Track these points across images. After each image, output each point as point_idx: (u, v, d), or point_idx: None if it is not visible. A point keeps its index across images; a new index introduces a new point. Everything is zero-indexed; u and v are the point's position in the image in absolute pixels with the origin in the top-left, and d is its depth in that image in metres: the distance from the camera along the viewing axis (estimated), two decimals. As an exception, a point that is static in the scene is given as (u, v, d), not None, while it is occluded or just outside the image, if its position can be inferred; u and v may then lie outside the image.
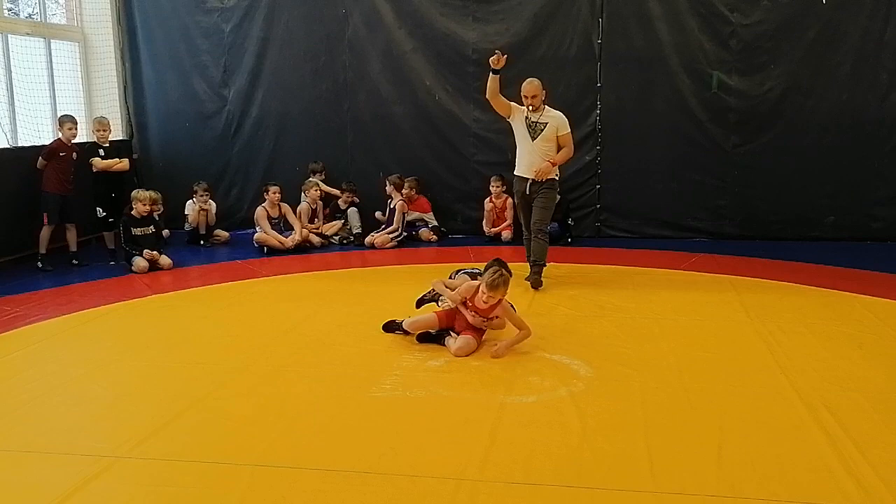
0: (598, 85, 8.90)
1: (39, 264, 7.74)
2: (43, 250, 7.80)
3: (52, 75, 9.19)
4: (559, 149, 6.45)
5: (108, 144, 8.29)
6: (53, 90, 9.20)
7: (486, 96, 6.52)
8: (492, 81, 6.37)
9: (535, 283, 6.48)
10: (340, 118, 9.59)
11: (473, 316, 4.90)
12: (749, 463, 3.28)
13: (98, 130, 8.22)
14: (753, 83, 8.57)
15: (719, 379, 4.32)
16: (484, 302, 4.77)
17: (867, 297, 6.06)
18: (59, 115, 8.03)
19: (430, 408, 3.99)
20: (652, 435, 3.57)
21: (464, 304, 4.93)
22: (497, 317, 4.94)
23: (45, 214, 7.76)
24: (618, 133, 8.96)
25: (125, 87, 9.98)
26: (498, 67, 6.25)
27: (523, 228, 6.80)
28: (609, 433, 3.62)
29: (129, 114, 9.95)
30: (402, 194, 9.03)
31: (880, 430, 3.58)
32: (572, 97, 8.66)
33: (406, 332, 5.10)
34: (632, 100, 8.89)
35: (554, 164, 6.36)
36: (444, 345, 4.89)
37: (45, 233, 7.79)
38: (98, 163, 8.15)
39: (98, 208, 8.11)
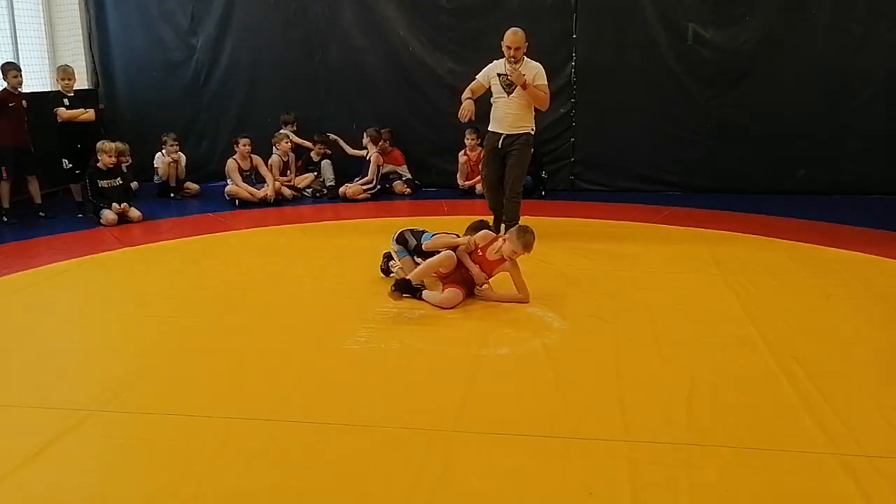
0: (574, 37, 8.83)
1: (4, 218, 7.59)
2: (6, 204, 7.64)
3: (14, 24, 8.90)
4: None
5: (72, 94, 8.08)
6: (16, 39, 8.92)
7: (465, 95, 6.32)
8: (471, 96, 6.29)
9: None
10: (312, 68, 9.44)
11: (478, 270, 4.93)
12: (718, 411, 3.35)
13: (62, 79, 8.00)
14: (729, 35, 8.54)
15: (690, 330, 4.38)
16: (496, 255, 4.92)
17: (836, 249, 6.15)
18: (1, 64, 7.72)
19: (405, 360, 4.01)
20: (624, 385, 3.62)
21: (471, 256, 4.96)
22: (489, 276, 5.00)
23: (2, 168, 7.55)
24: (593, 85, 8.92)
25: (90, 35, 9.71)
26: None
27: (484, 186, 6.66)
28: (582, 384, 3.67)
29: (94, 62, 9.70)
30: (377, 147, 8.94)
31: (845, 379, 3.66)
32: (547, 49, 8.55)
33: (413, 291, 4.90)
34: (607, 52, 8.84)
35: (525, 87, 6.07)
36: (420, 298, 4.88)
37: (4, 187, 7.62)
38: (63, 113, 7.95)
39: (64, 160, 7.93)
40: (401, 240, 5.32)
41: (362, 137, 8.97)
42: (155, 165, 9.06)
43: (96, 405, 3.46)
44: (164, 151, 8.99)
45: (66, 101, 8.01)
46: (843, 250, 6.11)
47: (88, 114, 8.12)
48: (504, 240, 4.97)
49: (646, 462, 2.92)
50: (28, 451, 3.04)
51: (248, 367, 3.93)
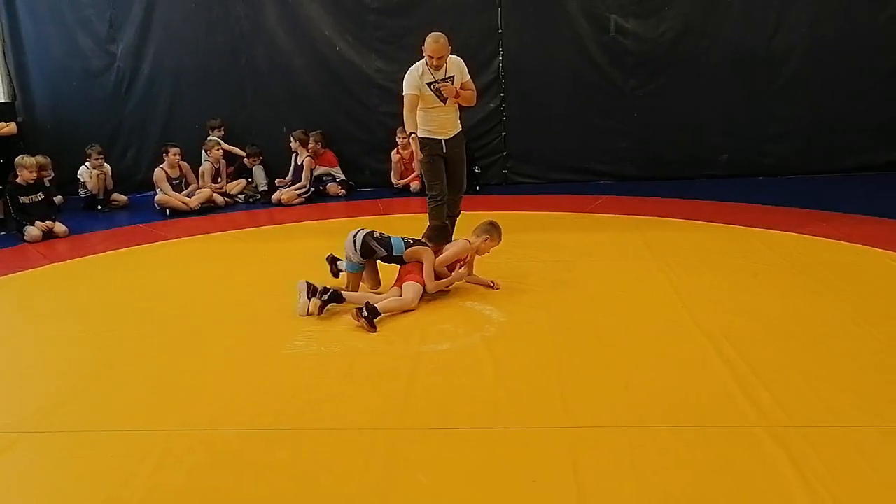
0: (500, 31, 8.90)
1: None
2: None
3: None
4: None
5: None
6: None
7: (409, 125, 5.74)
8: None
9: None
10: (238, 72, 9.32)
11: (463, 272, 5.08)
12: (655, 393, 3.43)
13: None
14: (649, 26, 8.75)
15: (626, 315, 4.48)
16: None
17: (760, 229, 6.36)
18: None
19: (345, 361, 3.99)
20: (564, 373, 3.68)
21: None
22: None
23: None
24: (521, 79, 9.03)
25: (3, 45, 9.38)
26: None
27: (441, 200, 5.87)
28: (522, 374, 3.71)
29: (9, 74, 9.38)
30: (308, 149, 8.87)
31: (774, 355, 3.79)
32: (474, 44, 8.64)
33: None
34: (533, 45, 8.95)
35: (457, 95, 5.71)
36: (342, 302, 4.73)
37: None
38: None
39: None
40: (366, 251, 4.91)
41: (289, 141, 8.87)
42: (80, 179, 8.81)
43: (27, 426, 3.36)
44: (88, 164, 8.74)
45: None
46: (768, 230, 6.31)
47: (9, 127, 7.94)
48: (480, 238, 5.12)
49: (587, 446, 2.97)
50: (-43, 479, 2.94)
51: (185, 377, 3.87)
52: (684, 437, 3.03)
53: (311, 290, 4.69)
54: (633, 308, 4.61)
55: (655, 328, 4.24)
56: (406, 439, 3.13)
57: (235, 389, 3.69)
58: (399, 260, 4.96)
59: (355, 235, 4.95)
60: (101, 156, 8.77)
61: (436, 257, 4.95)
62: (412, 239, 5.05)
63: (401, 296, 4.77)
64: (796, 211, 7.03)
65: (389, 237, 5.00)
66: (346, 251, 4.99)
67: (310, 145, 8.90)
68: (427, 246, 4.97)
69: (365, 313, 4.38)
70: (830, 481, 2.66)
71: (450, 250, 5.06)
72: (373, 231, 5.01)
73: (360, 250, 4.91)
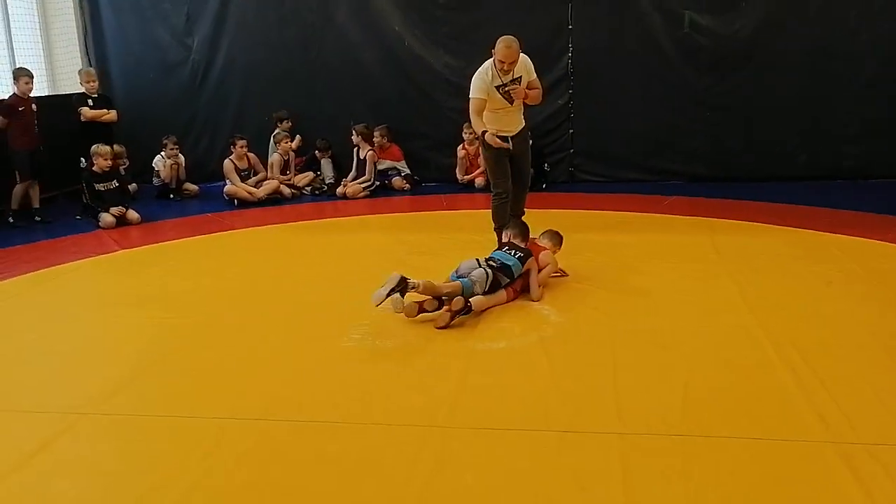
0: (570, 27, 8.76)
1: (10, 219, 7.68)
2: (15, 206, 7.75)
3: (10, 29, 8.90)
4: None
5: (96, 95, 8.41)
6: (11, 44, 8.92)
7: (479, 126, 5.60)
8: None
9: None
10: (308, 65, 9.41)
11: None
12: (714, 402, 3.31)
13: (87, 81, 8.39)
14: (724, 22, 8.47)
15: (689, 320, 4.35)
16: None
17: (836, 235, 6.09)
18: (14, 69, 7.86)
19: (399, 356, 3.99)
20: (620, 377, 3.58)
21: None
22: None
23: (17, 172, 7.66)
24: (590, 76, 8.86)
25: (85, 38, 9.70)
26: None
27: (504, 199, 5.78)
28: (577, 376, 3.64)
29: (90, 64, 9.69)
30: (371, 144, 8.91)
31: (844, 366, 3.62)
32: (543, 40, 8.51)
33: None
34: (603, 41, 8.77)
35: (526, 99, 5.65)
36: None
37: (19, 189, 7.75)
38: (87, 112, 8.27)
39: (82, 158, 8.06)
40: (494, 285, 4.66)
41: (351, 135, 8.93)
42: (155, 168, 9.07)
43: (88, 408, 3.45)
44: (164, 154, 8.99)
45: (90, 101, 8.35)
46: (844, 236, 6.05)
47: (111, 115, 8.40)
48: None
49: (639, 454, 2.89)
50: (20, 456, 3.03)
51: (241, 366, 3.92)
52: (743, 449, 2.91)
53: (402, 286, 4.43)
54: (696, 313, 4.47)
55: (719, 334, 4.10)
56: (456, 438, 3.10)
57: (289, 380, 3.72)
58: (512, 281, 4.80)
59: (486, 269, 4.68)
60: (177, 146, 9.01)
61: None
62: (512, 251, 4.89)
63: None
64: (875, 216, 6.72)
65: (501, 262, 4.77)
66: (465, 270, 4.73)
67: (375, 139, 8.94)
68: (531, 256, 4.90)
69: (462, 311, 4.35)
70: (899, 504, 2.51)
71: (548, 266, 5.02)
72: (489, 260, 4.81)
73: (490, 285, 4.64)
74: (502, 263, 4.76)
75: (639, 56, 8.71)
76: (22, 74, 7.66)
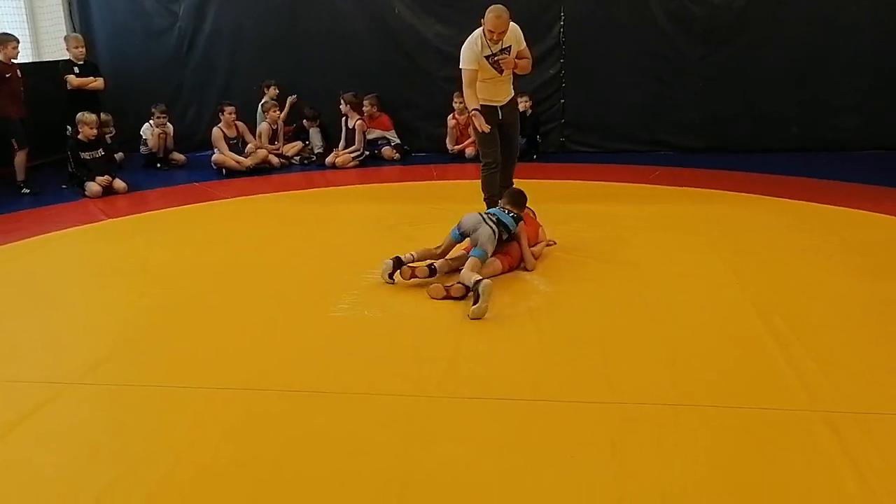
0: (562, -5, 8.67)
1: (26, 190, 7.56)
2: (21, 176, 7.61)
3: (-9, -9, 8.75)
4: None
5: (83, 62, 8.21)
6: (-7, 7, 8.77)
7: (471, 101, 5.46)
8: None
9: None
10: (297, 34, 9.29)
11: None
12: (703, 372, 3.31)
13: (75, 47, 8.15)
14: (719, -9, 8.39)
15: (679, 291, 4.34)
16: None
17: (826, 206, 6.09)
18: None
19: (388, 326, 3.97)
20: (609, 347, 3.58)
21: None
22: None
23: (13, 141, 7.50)
24: (582, 45, 8.79)
25: (69, 3, 9.53)
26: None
27: (494, 168, 5.71)
28: (566, 347, 3.63)
29: (74, 30, 9.53)
30: (360, 113, 8.82)
31: (831, 337, 3.62)
32: (534, 8, 8.44)
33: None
34: (595, 10, 8.70)
35: (515, 68, 5.55)
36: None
37: (20, 158, 7.58)
38: (73, 80, 8.07)
39: (68, 126, 7.90)
40: (500, 241, 4.63)
41: (339, 105, 8.83)
42: (142, 136, 8.95)
43: (73, 378, 3.42)
44: (152, 122, 8.86)
45: (76, 69, 8.13)
46: (833, 206, 6.05)
47: (98, 82, 8.25)
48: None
49: (629, 424, 2.89)
50: (4, 426, 3.00)
51: (228, 336, 3.89)
52: (731, 418, 2.91)
53: (398, 264, 4.51)
54: (685, 283, 4.46)
55: (707, 305, 4.10)
56: (445, 408, 3.09)
57: (276, 351, 3.69)
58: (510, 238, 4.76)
59: (491, 225, 4.59)
60: (164, 115, 8.88)
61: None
62: (506, 211, 4.82)
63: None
64: (868, 187, 6.71)
65: (498, 217, 4.70)
66: (467, 226, 4.64)
67: (364, 108, 8.85)
68: (521, 220, 4.84)
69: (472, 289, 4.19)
70: (885, 472, 2.52)
71: (542, 242, 5.06)
72: (489, 215, 4.74)
73: (498, 242, 4.59)
74: (499, 219, 4.70)
75: (631, 26, 8.63)
76: (9, 40, 7.48)
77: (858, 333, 3.67)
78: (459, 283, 4.32)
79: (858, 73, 8.30)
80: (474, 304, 4.03)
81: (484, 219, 4.66)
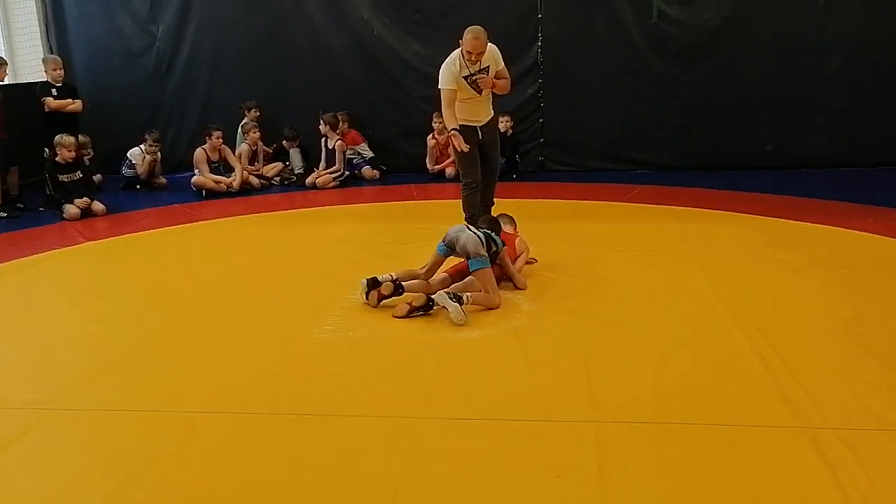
0: (539, 15, 8.76)
1: (2, 214, 7.55)
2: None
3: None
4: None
5: (61, 84, 8.17)
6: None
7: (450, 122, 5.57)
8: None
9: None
10: (276, 54, 9.32)
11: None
12: (685, 389, 3.34)
13: (53, 69, 8.12)
14: (693, 12, 8.53)
15: (659, 308, 4.37)
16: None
17: (803, 223, 6.18)
18: None
19: (373, 347, 3.96)
20: (592, 366, 3.60)
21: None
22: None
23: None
24: (559, 65, 8.88)
25: (46, 24, 9.49)
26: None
27: (474, 188, 5.78)
28: (550, 365, 3.65)
29: (52, 52, 9.48)
30: (337, 132, 8.84)
31: (811, 352, 3.67)
32: (512, 28, 8.52)
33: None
34: (573, 30, 8.80)
35: (493, 86, 5.59)
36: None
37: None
38: (51, 102, 8.03)
39: (45, 149, 7.85)
40: (487, 243, 4.55)
41: (318, 125, 8.84)
42: (130, 159, 8.84)
43: (55, 403, 3.38)
44: (143, 148, 8.79)
45: (54, 91, 8.10)
46: (811, 224, 6.13)
47: (76, 104, 8.21)
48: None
49: (613, 442, 2.90)
50: (-15, 453, 2.97)
51: (211, 358, 3.87)
52: (713, 435, 2.94)
53: (373, 285, 4.49)
54: (666, 301, 4.50)
55: (688, 322, 4.14)
56: (430, 429, 3.09)
57: (261, 372, 3.68)
58: (495, 258, 4.67)
59: (475, 231, 4.57)
60: (157, 143, 8.83)
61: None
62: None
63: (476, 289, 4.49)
64: (841, 205, 6.81)
65: (486, 231, 4.66)
66: (451, 235, 4.60)
67: (339, 128, 8.84)
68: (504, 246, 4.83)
69: (454, 299, 4.20)
70: (867, 487, 2.55)
71: (524, 252, 5.08)
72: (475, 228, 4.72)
73: (486, 242, 4.53)
74: (486, 233, 4.64)
75: (608, 45, 8.74)
76: (3, 63, 7.53)
77: (838, 349, 3.72)
78: (423, 293, 4.35)
79: (830, 91, 8.44)
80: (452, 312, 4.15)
81: (468, 227, 4.67)
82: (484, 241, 4.53)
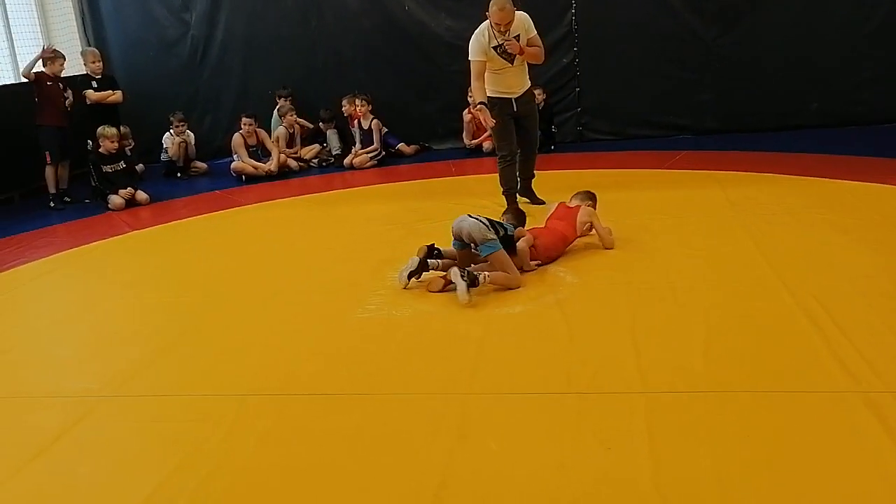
0: (572, -18, 8.61)
1: (51, 204, 7.73)
2: (52, 189, 7.76)
3: (6, 10, 8.84)
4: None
5: (100, 76, 8.32)
6: (8, 25, 8.86)
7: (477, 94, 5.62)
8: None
9: (538, 200, 6.13)
10: (309, 36, 9.31)
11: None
12: (736, 356, 3.27)
13: (92, 62, 8.25)
14: (731, -31, 8.29)
15: (706, 275, 4.30)
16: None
17: (850, 182, 6.00)
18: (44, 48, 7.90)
19: (416, 325, 3.96)
20: (639, 336, 3.55)
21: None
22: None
23: (45, 153, 7.65)
24: (595, 31, 8.73)
25: (83, 19, 9.61)
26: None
27: (510, 160, 5.83)
28: (596, 337, 3.61)
29: (89, 45, 9.61)
30: (374, 113, 8.81)
31: (865, 314, 3.56)
32: (544, -3, 8.38)
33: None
34: (607, -5, 8.61)
35: (523, 52, 5.50)
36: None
37: (49, 172, 7.73)
38: (91, 95, 8.17)
39: (89, 141, 7.99)
40: (494, 227, 4.43)
41: (342, 106, 8.82)
42: (164, 145, 9.01)
43: (108, 391, 3.45)
44: (171, 131, 8.93)
45: (94, 83, 8.24)
46: (859, 182, 5.96)
47: (117, 95, 8.34)
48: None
49: (663, 413, 2.86)
50: (42, 441, 3.03)
51: (258, 341, 3.91)
52: (767, 403, 2.88)
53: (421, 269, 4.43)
54: (713, 268, 4.41)
55: (737, 288, 4.05)
56: (477, 405, 3.07)
57: (307, 354, 3.71)
58: (509, 241, 4.52)
59: (476, 218, 4.44)
60: (183, 123, 8.95)
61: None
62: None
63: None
64: (890, 161, 6.60)
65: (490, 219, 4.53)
66: (455, 228, 4.49)
67: (360, 107, 8.79)
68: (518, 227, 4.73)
69: (466, 278, 4.12)
70: (929, 451, 2.48)
71: (588, 222, 4.97)
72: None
73: (493, 226, 4.42)
74: (491, 220, 4.50)
75: (644, 8, 8.55)
76: (58, 56, 7.74)
77: (892, 310, 3.60)
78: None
79: (875, 44, 8.15)
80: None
81: (469, 216, 4.48)
82: (489, 224, 4.41)
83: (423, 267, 4.46)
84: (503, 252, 4.37)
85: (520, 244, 4.56)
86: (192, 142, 9.10)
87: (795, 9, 8.25)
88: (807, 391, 2.94)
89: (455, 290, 4.17)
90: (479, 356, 3.50)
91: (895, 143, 7.30)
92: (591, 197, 5.17)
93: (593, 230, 4.97)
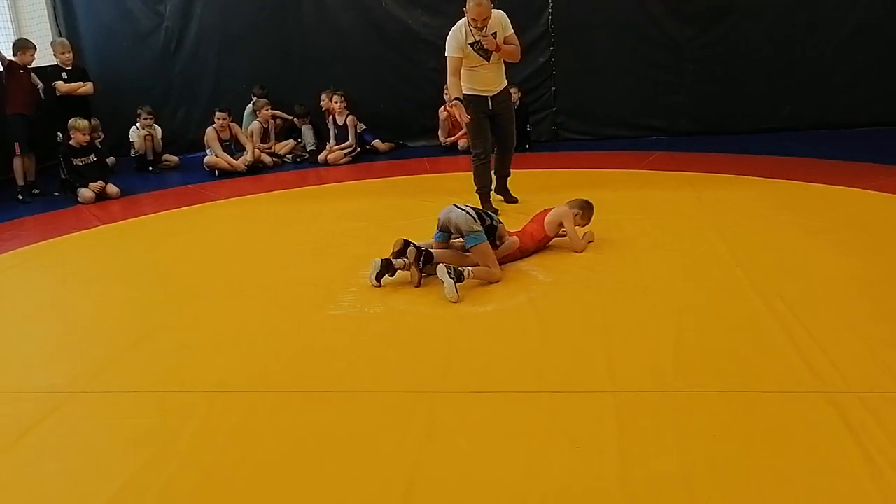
0: (549, -18, 8.63)
1: (20, 196, 7.58)
2: (20, 182, 7.60)
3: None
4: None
5: (70, 67, 8.18)
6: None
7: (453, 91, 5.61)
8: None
9: (512, 199, 6.19)
10: (285, 31, 9.25)
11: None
12: (705, 356, 3.31)
13: (62, 53, 8.11)
14: (707, -28, 8.36)
15: (677, 276, 4.34)
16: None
17: (821, 185, 6.09)
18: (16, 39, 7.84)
19: (388, 322, 3.96)
20: (610, 335, 3.58)
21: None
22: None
23: (14, 143, 7.50)
24: (571, 31, 8.75)
25: (55, 8, 9.46)
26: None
27: (484, 159, 5.87)
28: (568, 336, 3.63)
29: (60, 36, 9.46)
30: (350, 110, 8.77)
31: (832, 317, 3.62)
32: (522, -4, 8.39)
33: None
34: (583, -5, 8.64)
35: (499, 49, 5.52)
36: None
37: (17, 163, 7.57)
38: (61, 86, 8.04)
39: (59, 133, 7.86)
40: (480, 217, 4.46)
41: (319, 101, 8.78)
42: (130, 139, 8.91)
43: (76, 387, 3.41)
44: (138, 125, 8.83)
45: (64, 74, 8.10)
46: (829, 185, 6.04)
47: (87, 87, 8.22)
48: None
49: (633, 412, 2.88)
50: (8, 438, 2.99)
51: (228, 338, 3.88)
52: (735, 402, 2.91)
53: (387, 265, 4.43)
54: (683, 268, 4.46)
55: (706, 289, 4.10)
56: (447, 403, 3.08)
57: (277, 350, 3.69)
58: (493, 232, 4.54)
59: (462, 208, 4.48)
60: (151, 116, 8.84)
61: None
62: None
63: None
64: (860, 165, 6.71)
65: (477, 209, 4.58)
66: (441, 219, 4.54)
67: (337, 103, 8.75)
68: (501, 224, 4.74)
69: (453, 275, 4.15)
70: (891, 450, 2.52)
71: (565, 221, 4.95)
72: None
73: (479, 216, 4.44)
74: (477, 210, 4.54)
75: (620, 10, 8.59)
76: (28, 46, 7.60)
77: (858, 312, 3.67)
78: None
79: (848, 49, 8.26)
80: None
81: (456, 206, 4.52)
82: (475, 216, 4.43)
83: (386, 267, 4.44)
84: (487, 245, 4.40)
85: (507, 244, 4.62)
86: (159, 136, 8.97)
87: (771, 13, 8.33)
88: (773, 391, 2.98)
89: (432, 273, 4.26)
90: (450, 354, 3.51)
91: (864, 148, 7.42)
92: (581, 206, 5.07)
93: (564, 231, 4.96)
